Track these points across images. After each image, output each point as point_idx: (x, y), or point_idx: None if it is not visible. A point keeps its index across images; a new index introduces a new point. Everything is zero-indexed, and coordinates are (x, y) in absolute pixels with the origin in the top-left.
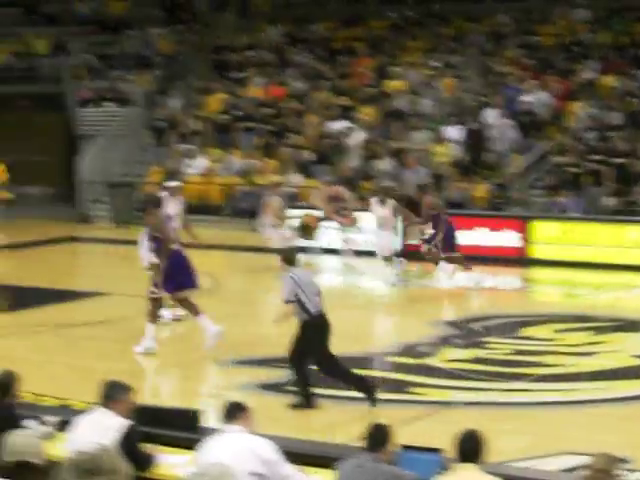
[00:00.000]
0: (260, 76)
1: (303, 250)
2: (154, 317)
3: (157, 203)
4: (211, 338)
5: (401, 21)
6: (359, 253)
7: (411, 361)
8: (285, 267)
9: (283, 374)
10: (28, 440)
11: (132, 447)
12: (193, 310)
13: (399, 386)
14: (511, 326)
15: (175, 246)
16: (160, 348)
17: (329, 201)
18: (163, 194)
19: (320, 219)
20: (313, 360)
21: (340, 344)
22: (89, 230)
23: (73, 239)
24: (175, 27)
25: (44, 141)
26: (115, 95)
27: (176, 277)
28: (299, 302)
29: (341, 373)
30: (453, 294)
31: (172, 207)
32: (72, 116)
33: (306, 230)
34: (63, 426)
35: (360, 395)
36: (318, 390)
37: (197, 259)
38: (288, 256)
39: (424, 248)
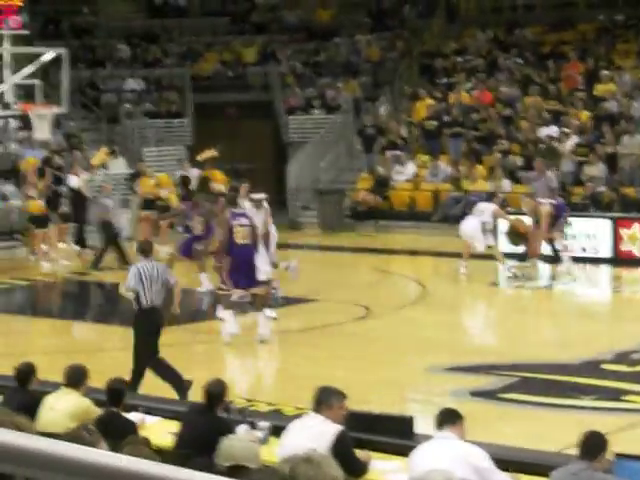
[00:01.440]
0: (468, 81)
1: (516, 257)
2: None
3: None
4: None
5: (610, 24)
6: (575, 259)
7: (625, 368)
8: (138, 257)
9: (494, 381)
10: (245, 445)
11: (345, 453)
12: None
13: (614, 394)
14: None
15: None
16: (368, 354)
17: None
18: (248, 206)
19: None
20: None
21: (552, 351)
22: (298, 236)
23: (283, 245)
24: (382, 34)
25: (253, 148)
26: (323, 102)
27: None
28: (136, 293)
29: (161, 369)
30: None
31: (257, 219)
32: (281, 123)
33: (514, 236)
34: (275, 431)
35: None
36: (535, 398)
37: (405, 266)
38: (142, 247)
39: None
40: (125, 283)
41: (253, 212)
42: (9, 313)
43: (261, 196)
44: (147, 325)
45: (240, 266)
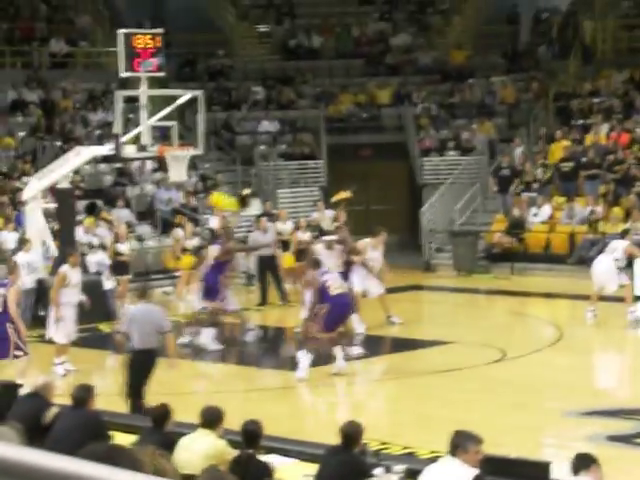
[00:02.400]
0: (605, 122)
1: None
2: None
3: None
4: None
5: None
6: None
7: None
8: (135, 300)
9: (631, 425)
10: None
11: None
12: None
13: None
14: None
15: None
16: (504, 398)
17: None
18: (321, 248)
19: None
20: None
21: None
22: (433, 278)
23: (418, 287)
24: (517, 75)
25: (387, 190)
26: (458, 144)
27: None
28: (128, 335)
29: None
30: None
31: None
32: (415, 165)
33: None
34: (411, 475)
35: None
36: None
37: (540, 309)
38: (140, 290)
39: None
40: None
41: (325, 254)
42: None
43: (332, 238)
44: (136, 367)
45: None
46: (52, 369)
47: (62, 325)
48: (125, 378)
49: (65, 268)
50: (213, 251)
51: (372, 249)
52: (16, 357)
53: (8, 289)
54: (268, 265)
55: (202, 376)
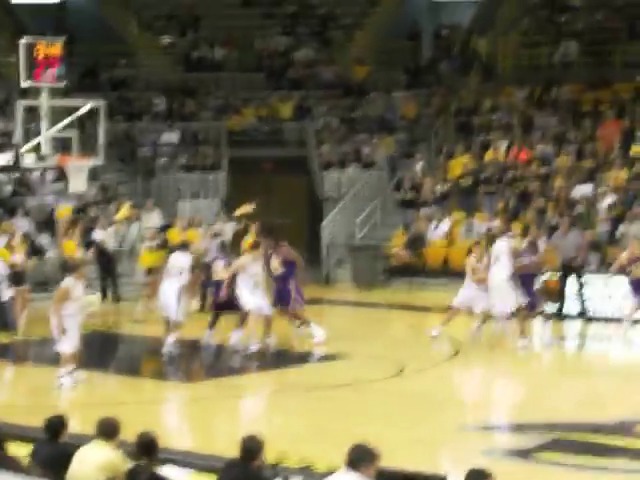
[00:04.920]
0: (504, 139)
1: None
2: None
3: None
4: None
5: None
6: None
7: None
8: None
9: (528, 440)
10: None
11: None
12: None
13: None
14: None
15: None
16: (401, 412)
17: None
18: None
19: None
20: None
21: (587, 410)
22: (332, 292)
23: (317, 301)
24: (419, 90)
25: (288, 204)
26: (358, 158)
27: None
28: None
29: None
30: None
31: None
32: (316, 179)
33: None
34: None
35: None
36: (569, 458)
37: (439, 324)
38: None
39: None
40: None
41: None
42: (39, 365)
43: None
44: None
45: None
46: (58, 381)
47: (67, 336)
48: None
49: (68, 281)
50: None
51: (252, 263)
52: None
53: None
54: None
55: (100, 387)
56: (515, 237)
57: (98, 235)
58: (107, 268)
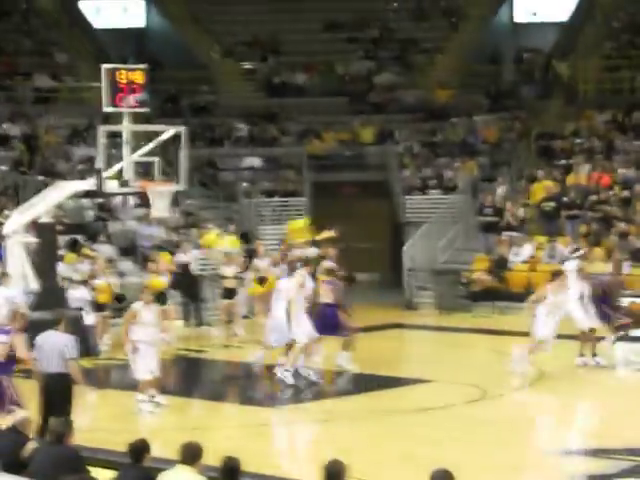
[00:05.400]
0: (586, 163)
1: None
2: None
3: None
4: None
5: None
6: None
7: None
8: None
9: (612, 465)
10: None
11: None
12: None
13: None
14: None
15: None
16: (484, 437)
17: None
18: None
19: None
20: None
21: None
22: (414, 316)
23: (399, 325)
24: (500, 114)
25: (369, 228)
26: (440, 182)
27: None
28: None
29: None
30: None
31: None
32: (397, 203)
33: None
34: None
35: None
36: None
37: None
38: (54, 319)
39: None
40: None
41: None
42: (121, 389)
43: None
44: (44, 390)
45: None
46: (138, 406)
47: (139, 361)
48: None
49: (136, 305)
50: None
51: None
52: (9, 412)
53: (11, 336)
54: None
55: (183, 412)
56: (585, 257)
57: (181, 259)
58: (190, 293)
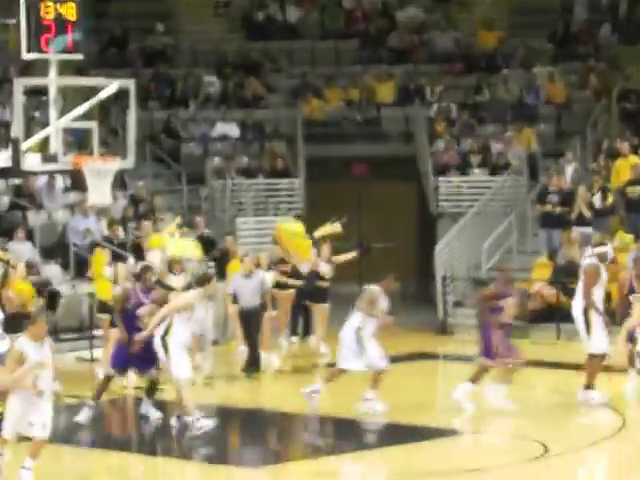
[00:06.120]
0: None
1: None
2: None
3: None
4: None
5: None
6: None
7: None
8: None
9: None
10: None
11: None
12: None
13: None
14: None
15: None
16: None
17: None
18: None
19: None
20: None
21: None
22: (450, 343)
23: (430, 356)
24: (570, 65)
25: (388, 222)
26: (486, 159)
27: None
28: None
29: None
30: None
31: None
32: (428, 187)
33: None
34: None
35: None
36: None
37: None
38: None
39: None
40: None
41: None
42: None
43: None
44: None
45: None
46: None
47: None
48: None
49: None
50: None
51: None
52: None
53: None
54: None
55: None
56: None
57: (130, 263)
58: None
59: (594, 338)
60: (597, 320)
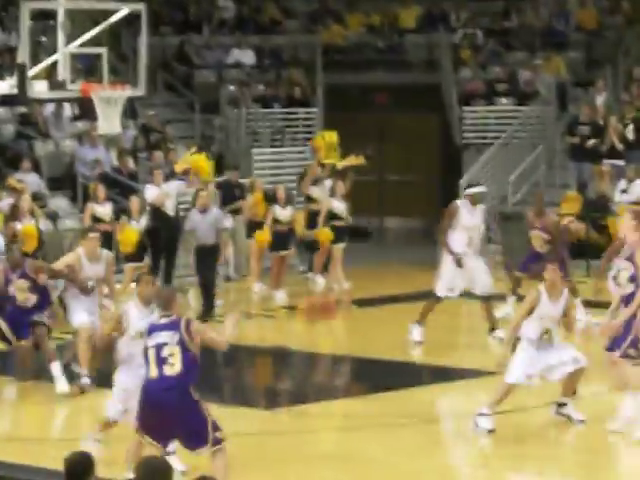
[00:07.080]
0: None
1: None
2: None
3: None
4: None
5: None
6: None
7: None
8: None
9: None
10: None
11: None
12: None
13: None
14: None
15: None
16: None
17: None
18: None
19: None
20: None
21: None
22: None
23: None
24: None
25: (411, 153)
26: (514, 87)
27: None
28: None
29: None
30: None
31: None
32: (452, 117)
33: None
34: None
35: None
36: None
37: None
38: None
39: None
40: None
41: None
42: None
43: None
44: None
45: None
46: None
47: None
48: None
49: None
50: None
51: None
52: None
53: None
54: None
55: None
56: None
57: (150, 193)
58: (167, 245)
59: None
60: None
